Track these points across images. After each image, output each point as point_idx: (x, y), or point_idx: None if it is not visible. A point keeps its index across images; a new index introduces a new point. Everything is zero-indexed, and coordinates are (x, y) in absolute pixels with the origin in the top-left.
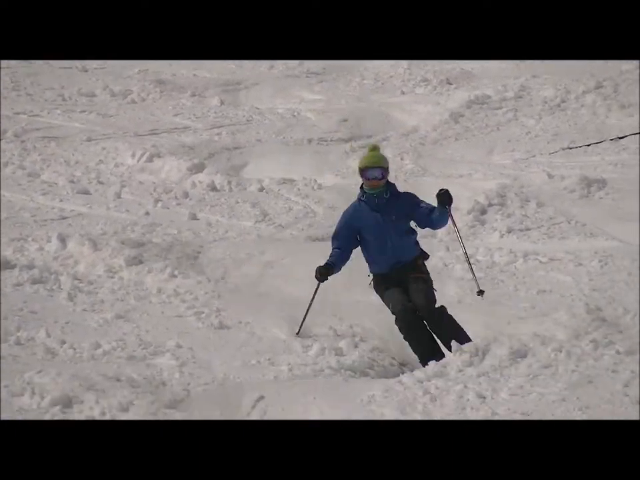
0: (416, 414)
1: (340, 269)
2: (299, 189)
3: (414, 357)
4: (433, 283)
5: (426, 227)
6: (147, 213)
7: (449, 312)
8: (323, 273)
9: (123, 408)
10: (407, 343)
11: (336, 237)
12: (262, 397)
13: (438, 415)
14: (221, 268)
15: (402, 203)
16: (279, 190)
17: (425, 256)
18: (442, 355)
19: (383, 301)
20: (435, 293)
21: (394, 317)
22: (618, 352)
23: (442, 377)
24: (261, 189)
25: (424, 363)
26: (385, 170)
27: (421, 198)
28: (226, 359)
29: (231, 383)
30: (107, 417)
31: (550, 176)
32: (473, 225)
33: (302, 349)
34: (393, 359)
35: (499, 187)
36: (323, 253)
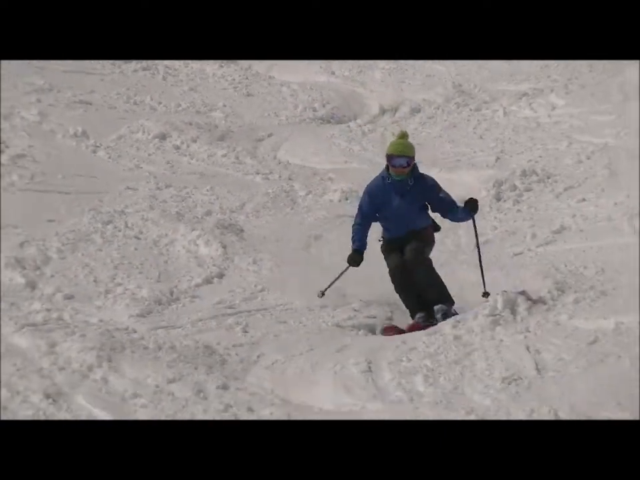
0: None
1: (366, 245)
2: None
3: None
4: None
5: (443, 217)
6: None
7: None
8: (357, 260)
9: (194, 139)
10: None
11: (360, 212)
12: (271, 134)
13: None
14: None
15: (423, 187)
16: None
17: (437, 227)
18: (430, 311)
19: (386, 261)
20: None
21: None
22: (471, 110)
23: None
24: None
25: (413, 316)
26: (411, 158)
27: None
28: (251, 112)
29: (254, 125)
30: (184, 147)
31: None
32: None
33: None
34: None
35: None
36: None
